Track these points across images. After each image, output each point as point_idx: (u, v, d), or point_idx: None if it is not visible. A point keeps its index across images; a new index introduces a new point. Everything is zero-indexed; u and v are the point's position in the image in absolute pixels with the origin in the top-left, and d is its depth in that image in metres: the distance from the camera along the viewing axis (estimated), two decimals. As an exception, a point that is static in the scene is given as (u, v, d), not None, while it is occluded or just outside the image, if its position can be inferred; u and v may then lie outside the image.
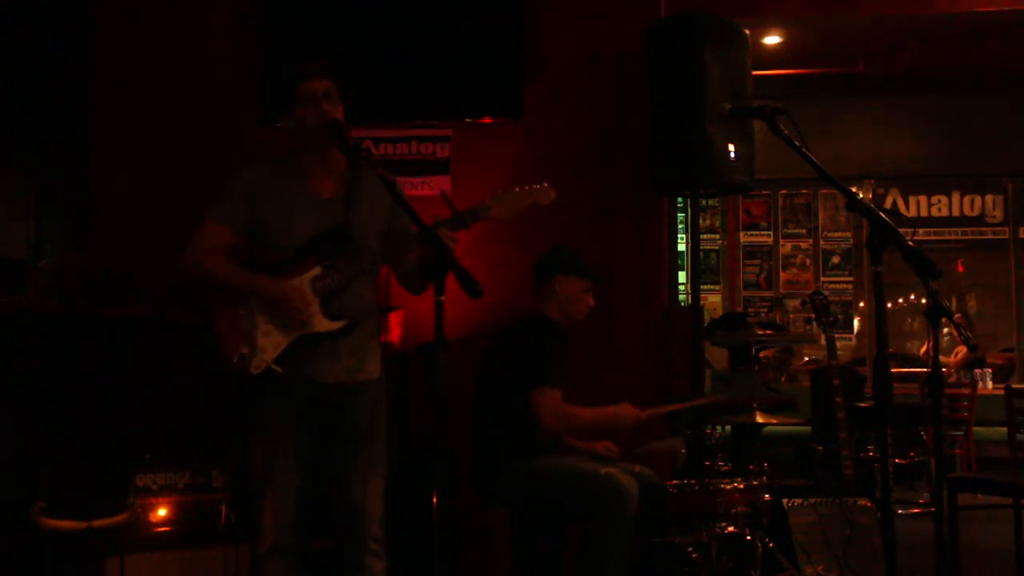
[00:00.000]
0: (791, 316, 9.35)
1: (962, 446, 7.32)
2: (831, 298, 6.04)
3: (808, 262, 9.52)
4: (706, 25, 4.18)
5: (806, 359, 9.50)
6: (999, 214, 9.55)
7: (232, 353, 2.84)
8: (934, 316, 2.60)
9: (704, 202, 6.92)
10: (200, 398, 3.87)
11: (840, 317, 8.97)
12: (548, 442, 3.63)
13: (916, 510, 5.90)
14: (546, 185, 3.03)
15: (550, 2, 4.75)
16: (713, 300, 9.34)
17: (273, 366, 2.82)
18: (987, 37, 6.95)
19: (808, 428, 5.40)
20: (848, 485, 4.07)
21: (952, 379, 8.24)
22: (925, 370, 7.01)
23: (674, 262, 4.91)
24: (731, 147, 4.08)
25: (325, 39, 4.65)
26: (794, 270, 9.51)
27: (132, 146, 4.76)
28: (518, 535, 3.72)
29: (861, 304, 9.64)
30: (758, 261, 9.53)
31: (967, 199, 9.60)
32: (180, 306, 3.87)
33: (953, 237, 9.61)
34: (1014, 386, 5.53)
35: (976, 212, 9.59)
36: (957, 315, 2.68)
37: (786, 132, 2.81)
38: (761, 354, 6.84)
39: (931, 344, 2.66)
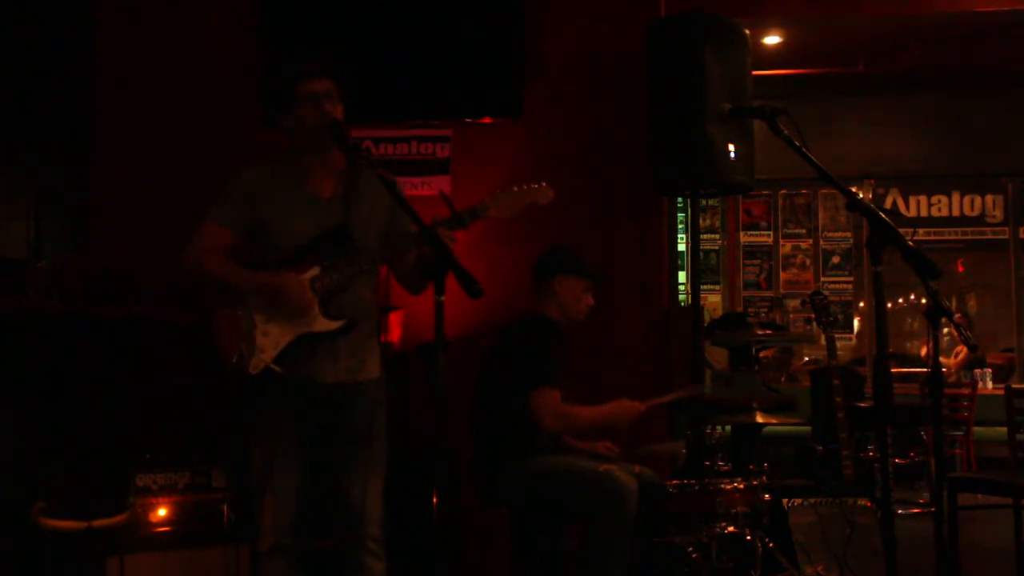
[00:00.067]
0: (791, 316, 9.35)
1: (962, 446, 7.32)
2: (831, 298, 6.04)
3: (808, 262, 9.52)
4: (706, 25, 4.18)
5: (806, 359, 9.50)
6: (999, 214, 9.55)
7: (231, 353, 2.84)
8: (934, 316, 2.60)
9: (704, 202, 6.92)
10: (200, 398, 3.87)
11: (840, 317, 8.97)
12: (548, 442, 3.63)
13: (916, 510, 5.90)
14: (544, 185, 3.03)
15: (550, 2, 4.75)
16: (713, 300, 9.34)
17: (272, 366, 2.82)
18: (987, 37, 6.95)
19: (808, 428, 5.40)
20: (848, 485, 4.07)
21: (952, 379, 8.24)
22: (925, 370, 7.00)
23: (674, 262, 4.91)
24: (731, 147, 4.08)
25: (325, 39, 4.65)
26: (794, 270, 9.51)
27: (132, 146, 4.76)
28: (518, 535, 3.72)
29: (861, 304, 9.64)
30: (758, 261, 9.53)
31: (967, 199, 9.59)
32: (180, 306, 3.87)
33: (953, 237, 9.61)
34: (1014, 386, 5.53)
35: (976, 212, 9.59)
36: (957, 315, 2.68)
37: (786, 132, 2.81)
38: (761, 354, 6.84)
39: (931, 344, 2.65)
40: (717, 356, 6.11)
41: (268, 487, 2.88)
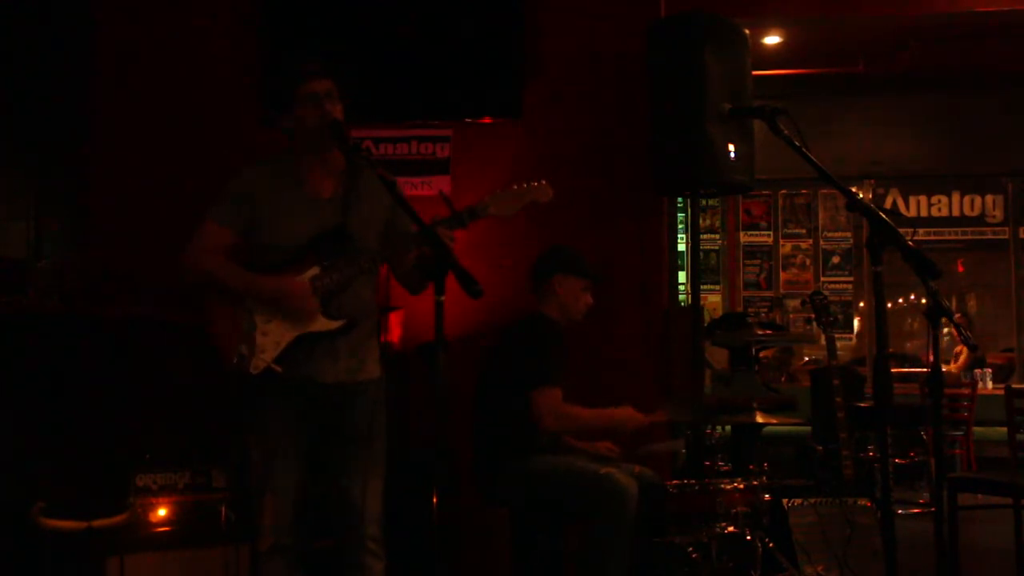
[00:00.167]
0: (791, 316, 9.35)
1: (962, 446, 7.32)
2: (831, 298, 6.04)
3: (808, 262, 9.52)
4: (706, 25, 4.17)
5: (806, 359, 9.51)
6: (999, 214, 9.55)
7: (231, 353, 2.84)
8: (934, 316, 2.60)
9: (704, 202, 6.92)
10: (200, 398, 3.87)
11: (840, 317, 8.97)
12: (548, 442, 3.63)
13: (916, 510, 5.90)
14: (544, 183, 3.03)
15: (550, 2, 4.75)
16: (713, 300, 9.34)
17: (273, 366, 2.82)
18: (987, 37, 6.95)
19: (808, 428, 5.40)
20: (848, 485, 4.07)
21: (947, 368, 8.26)
22: (925, 370, 7.01)
23: (674, 262, 4.91)
24: (731, 147, 4.07)
25: (325, 39, 4.64)
26: (794, 270, 9.51)
27: (132, 146, 4.75)
28: (518, 535, 3.72)
29: (861, 304, 9.64)
30: (758, 261, 9.53)
31: (967, 199, 9.60)
32: (180, 306, 3.86)
33: (953, 237, 9.61)
34: (1014, 386, 5.53)
35: (976, 212, 9.60)
36: (957, 315, 2.68)
37: (786, 132, 2.81)
38: (761, 354, 6.84)
39: (931, 344, 2.65)
40: (717, 356, 6.11)
41: (268, 487, 2.88)
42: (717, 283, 9.51)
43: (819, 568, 3.73)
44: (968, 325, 8.95)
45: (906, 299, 10.37)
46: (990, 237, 9.58)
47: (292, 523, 2.89)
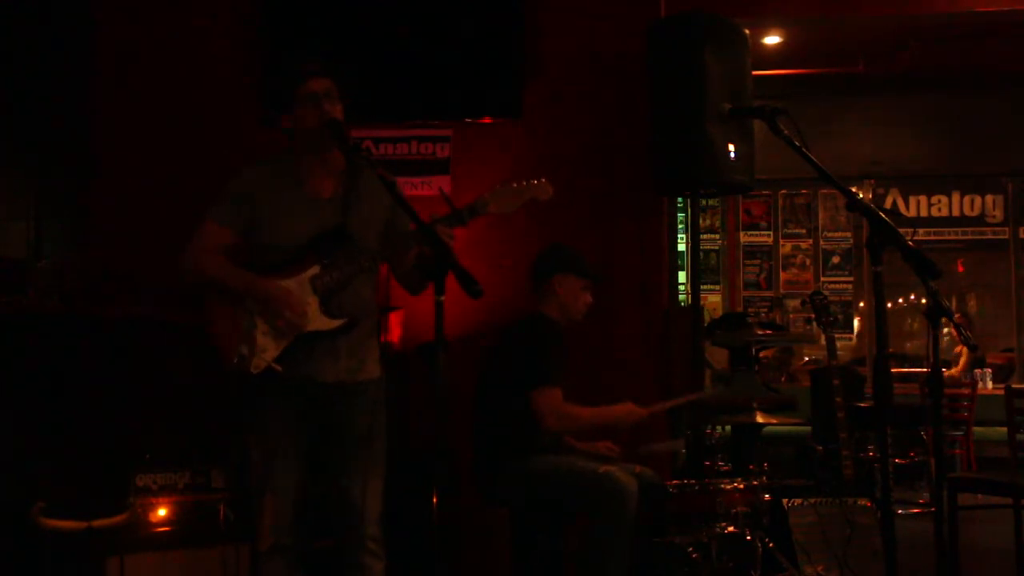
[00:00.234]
0: (791, 316, 9.35)
1: (962, 446, 7.32)
2: (831, 298, 6.04)
3: (808, 262, 9.52)
4: (706, 25, 4.18)
5: (806, 359, 9.51)
6: (999, 214, 9.55)
7: (232, 353, 2.84)
8: (934, 316, 2.60)
9: (704, 202, 6.92)
10: (200, 398, 3.87)
11: (840, 317, 8.97)
12: (548, 442, 3.63)
13: (916, 510, 5.90)
14: (544, 181, 3.03)
15: (550, 2, 4.75)
16: (713, 300, 9.34)
17: (273, 365, 2.82)
18: (987, 37, 6.94)
19: (808, 428, 5.40)
20: (848, 485, 4.07)
21: (948, 373, 8.25)
22: (925, 370, 7.01)
23: (674, 262, 4.91)
24: (731, 147, 4.08)
25: (325, 39, 4.65)
26: (794, 270, 9.51)
27: (132, 146, 4.75)
28: (518, 535, 3.72)
29: (861, 304, 9.65)
30: (758, 261, 9.53)
31: (967, 199, 9.60)
32: (180, 306, 3.86)
33: (953, 237, 9.61)
34: (1014, 386, 5.53)
35: (976, 212, 9.60)
36: (957, 315, 2.68)
37: (786, 132, 2.81)
38: (761, 354, 6.84)
39: (931, 344, 2.65)
40: (717, 356, 6.11)
41: (268, 487, 2.88)
42: (717, 283, 9.51)
43: (819, 568, 3.73)
44: (968, 325, 8.94)
45: (906, 299, 10.37)
46: (990, 237, 9.58)
47: (292, 523, 2.89)
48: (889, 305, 5.42)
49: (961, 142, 9.16)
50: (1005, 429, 4.77)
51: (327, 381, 2.90)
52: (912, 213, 9.56)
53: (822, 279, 9.41)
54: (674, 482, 3.59)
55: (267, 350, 2.83)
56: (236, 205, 2.94)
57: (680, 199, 5.05)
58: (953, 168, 9.41)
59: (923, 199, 9.64)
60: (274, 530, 2.87)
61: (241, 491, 3.55)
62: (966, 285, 10.58)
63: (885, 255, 2.53)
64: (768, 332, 5.55)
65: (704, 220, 8.20)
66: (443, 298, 2.47)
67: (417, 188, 4.64)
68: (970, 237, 9.63)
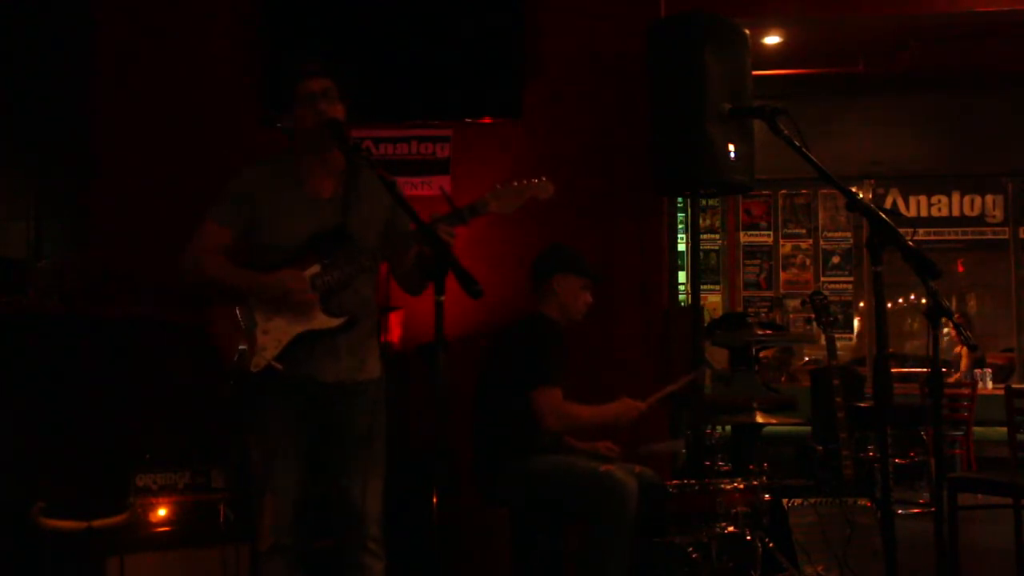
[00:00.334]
0: (791, 316, 9.36)
1: (962, 446, 7.33)
2: (831, 298, 6.04)
3: (808, 262, 9.53)
4: (706, 25, 4.18)
5: (806, 359, 9.52)
6: (999, 214, 9.56)
7: (232, 352, 2.84)
8: (934, 316, 2.60)
9: (704, 202, 6.92)
10: (200, 398, 3.87)
11: (840, 317, 8.97)
12: (548, 442, 3.63)
13: (916, 510, 5.90)
14: (545, 179, 3.03)
15: (550, 2, 4.75)
16: (713, 300, 9.34)
17: (274, 363, 2.82)
18: (987, 37, 6.94)
19: (808, 428, 5.40)
20: (848, 485, 4.07)
21: (954, 379, 8.25)
22: (925, 370, 7.01)
23: (674, 262, 4.92)
24: (731, 147, 4.07)
25: (325, 39, 4.65)
26: (794, 270, 9.52)
27: (132, 146, 4.76)
28: (518, 535, 3.72)
29: (861, 304, 9.65)
30: (758, 261, 9.54)
31: (967, 199, 9.60)
32: (180, 306, 3.86)
33: (953, 237, 9.62)
34: (1014, 386, 5.53)
35: (976, 212, 9.60)
36: (956, 315, 2.68)
37: (786, 132, 2.81)
38: (761, 354, 6.84)
39: (931, 344, 2.65)
40: (717, 356, 6.11)
41: (268, 487, 2.88)
42: (717, 283, 9.51)
43: (819, 568, 3.73)
44: (967, 325, 8.95)
45: (906, 299, 10.37)
46: (990, 237, 9.58)
47: (292, 523, 2.89)
48: (889, 305, 5.42)
49: (961, 142, 9.17)
50: (1005, 429, 4.77)
51: (327, 381, 2.90)
52: (912, 213, 9.57)
53: (822, 279, 9.41)
54: (674, 482, 3.59)
55: (267, 349, 2.83)
56: (236, 205, 2.94)
57: (680, 199, 5.05)
58: (953, 168, 9.41)
59: (923, 199, 9.65)
60: (274, 530, 2.87)
61: (241, 491, 3.55)
62: (966, 285, 10.59)
63: (885, 255, 2.53)
64: (768, 332, 5.55)
65: (704, 220, 8.21)
66: (443, 298, 2.47)
67: (417, 188, 4.64)
68: (970, 237, 9.63)
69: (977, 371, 8.38)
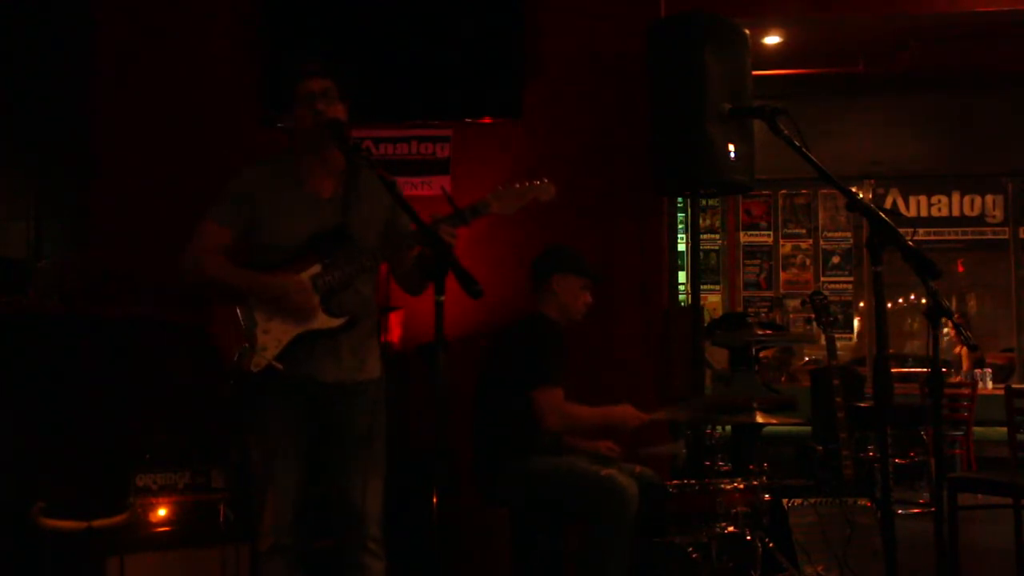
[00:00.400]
0: (791, 316, 9.36)
1: (962, 446, 7.33)
2: (831, 298, 6.04)
3: (808, 262, 9.53)
4: (706, 25, 4.18)
5: (806, 359, 9.52)
6: (999, 214, 9.55)
7: (232, 352, 2.84)
8: (934, 316, 2.60)
9: (704, 202, 6.92)
10: (200, 398, 3.87)
11: (840, 317, 8.97)
12: (548, 442, 3.63)
13: (916, 510, 5.90)
14: (546, 181, 3.04)
15: (550, 2, 4.75)
16: (713, 300, 9.34)
17: (274, 363, 2.82)
18: (987, 37, 6.94)
19: (808, 428, 5.40)
20: (848, 485, 4.07)
21: (955, 379, 8.25)
22: (925, 370, 7.01)
23: (674, 262, 4.92)
24: (731, 147, 4.08)
25: (325, 39, 4.65)
26: (794, 270, 9.52)
27: (132, 146, 4.76)
28: (518, 535, 3.72)
29: (861, 304, 9.65)
30: (758, 261, 9.53)
31: (967, 199, 9.60)
32: (180, 306, 3.86)
33: (953, 237, 9.62)
34: (1014, 386, 5.53)
35: (976, 212, 9.60)
36: (956, 315, 2.68)
37: (786, 132, 2.81)
38: (761, 354, 6.84)
39: (931, 344, 2.65)
40: (717, 356, 6.11)
41: (268, 487, 2.88)
42: (717, 283, 9.51)
43: (819, 568, 3.73)
44: (967, 325, 8.94)
45: (906, 299, 10.37)
46: (990, 237, 9.58)
47: (292, 523, 2.89)
48: (889, 305, 5.42)
49: (961, 142, 9.17)
50: (1005, 429, 4.77)
51: (327, 380, 2.90)
52: (912, 213, 9.56)
53: (822, 279, 9.41)
54: (674, 482, 3.59)
55: (268, 348, 2.83)
56: (236, 205, 2.94)
57: (680, 199, 5.05)
58: (953, 168, 9.41)
59: (923, 199, 9.65)
60: (274, 530, 2.87)
61: (241, 491, 3.55)
62: (966, 285, 10.58)
63: (885, 255, 2.53)
64: (768, 332, 5.55)
65: (704, 220, 8.21)
66: (443, 298, 2.47)
67: (417, 188, 4.64)
68: (970, 237, 9.63)
69: (977, 371, 8.38)
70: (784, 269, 9.52)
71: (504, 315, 4.03)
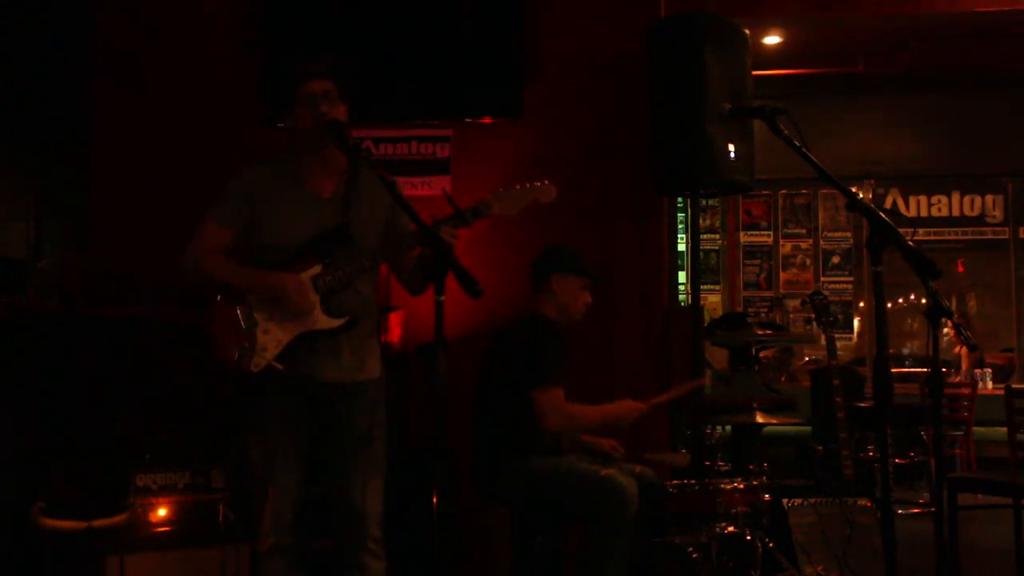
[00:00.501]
0: (791, 316, 9.36)
1: (962, 446, 7.33)
2: (831, 298, 6.04)
3: (808, 262, 9.53)
4: (706, 25, 4.18)
5: (806, 359, 9.51)
6: (999, 214, 9.56)
7: (232, 351, 2.84)
8: (934, 316, 2.60)
9: (704, 202, 6.92)
10: (200, 398, 3.87)
11: (840, 317, 8.97)
12: (548, 442, 3.63)
13: (916, 510, 5.90)
14: (548, 183, 3.04)
15: (550, 2, 4.75)
16: (713, 300, 9.35)
17: (274, 363, 2.82)
18: (987, 37, 6.95)
19: (808, 428, 5.40)
20: (848, 485, 4.07)
21: (955, 379, 8.24)
22: (925, 370, 7.01)
23: (674, 262, 4.91)
24: (731, 147, 4.08)
25: (325, 39, 4.65)
26: (794, 270, 9.52)
27: (132, 146, 4.76)
28: (518, 535, 3.72)
29: (861, 304, 9.65)
30: (758, 261, 9.54)
31: (967, 199, 9.60)
32: (180, 306, 3.86)
33: (953, 237, 9.62)
34: (1014, 386, 5.53)
35: (976, 212, 9.60)
36: (956, 315, 2.68)
37: (786, 132, 2.81)
38: (761, 354, 6.84)
39: (931, 344, 2.65)
40: (717, 356, 6.11)
41: (268, 487, 2.88)
42: (717, 283, 9.52)
43: (819, 568, 3.73)
44: (967, 325, 8.95)
45: (906, 299, 10.37)
46: (990, 237, 9.58)
47: (292, 523, 2.89)
48: (889, 305, 5.42)
49: (961, 142, 9.17)
50: (1005, 429, 4.77)
51: (327, 380, 2.90)
52: (912, 213, 9.57)
53: (822, 279, 9.42)
54: (674, 482, 3.59)
55: (268, 348, 2.83)
56: (236, 205, 2.93)
57: (680, 199, 5.05)
58: (953, 168, 9.41)
59: (923, 199, 9.65)
60: (274, 530, 2.87)
61: (241, 491, 3.55)
62: (966, 285, 10.58)
63: (885, 255, 2.53)
64: (768, 332, 5.55)
65: (704, 220, 8.21)
66: (443, 298, 2.47)
67: (417, 188, 4.64)
68: (970, 237, 9.63)
69: (977, 371, 8.38)
70: (784, 269, 9.52)
71: (504, 315, 4.03)
